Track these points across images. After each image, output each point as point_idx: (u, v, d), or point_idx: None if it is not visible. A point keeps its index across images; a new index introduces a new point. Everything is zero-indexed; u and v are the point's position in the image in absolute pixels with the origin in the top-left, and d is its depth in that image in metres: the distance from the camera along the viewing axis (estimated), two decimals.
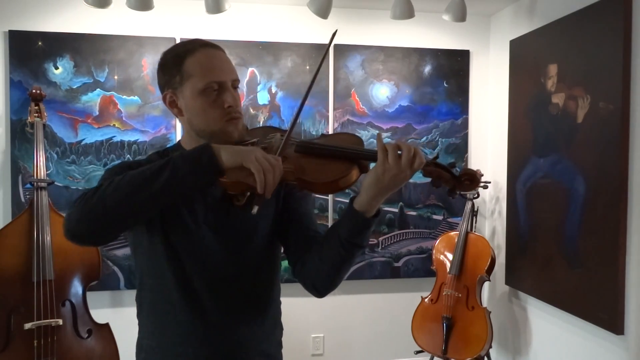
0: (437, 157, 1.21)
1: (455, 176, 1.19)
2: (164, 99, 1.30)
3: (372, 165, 1.18)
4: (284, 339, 1.44)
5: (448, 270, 3.00)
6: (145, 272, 1.32)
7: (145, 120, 2.99)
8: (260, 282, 1.34)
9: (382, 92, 3.25)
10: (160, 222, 1.26)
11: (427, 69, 3.29)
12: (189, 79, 1.23)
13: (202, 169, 1.11)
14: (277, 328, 1.41)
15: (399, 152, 1.12)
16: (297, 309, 3.06)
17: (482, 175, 3.10)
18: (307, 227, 1.34)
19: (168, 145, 1.41)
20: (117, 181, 1.11)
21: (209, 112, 1.24)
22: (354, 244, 1.20)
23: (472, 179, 1.19)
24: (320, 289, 1.29)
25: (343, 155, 1.22)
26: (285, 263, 1.40)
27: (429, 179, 1.22)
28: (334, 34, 1.31)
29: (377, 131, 3.23)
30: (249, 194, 1.22)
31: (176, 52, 1.27)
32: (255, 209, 1.11)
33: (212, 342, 1.28)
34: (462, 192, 1.22)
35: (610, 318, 2.28)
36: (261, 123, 3.09)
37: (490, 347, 2.90)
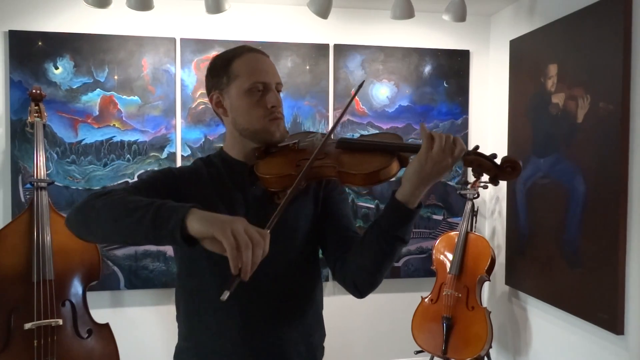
0: (477, 147, 1.21)
1: (497, 165, 1.19)
2: (210, 100, 1.36)
3: (412, 158, 1.19)
4: None
5: (448, 270, 3.00)
6: (184, 274, 1.35)
7: (145, 120, 2.99)
8: (299, 283, 1.35)
9: (382, 92, 3.25)
10: None
11: (427, 69, 3.29)
12: (235, 79, 1.30)
13: (163, 232, 1.03)
14: (318, 331, 1.41)
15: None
16: None
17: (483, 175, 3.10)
18: (346, 227, 1.36)
19: (211, 153, 1.44)
20: (112, 200, 1.13)
21: (253, 111, 1.29)
22: (396, 237, 1.19)
23: (514, 166, 1.18)
24: (361, 287, 1.29)
25: (383, 148, 1.23)
26: None
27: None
28: (361, 84, 1.37)
29: (377, 131, 3.23)
30: (289, 191, 1.23)
31: (224, 56, 1.34)
32: (224, 295, 0.95)
33: (249, 339, 1.29)
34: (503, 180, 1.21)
35: (610, 318, 2.28)
36: None
37: (490, 347, 2.90)
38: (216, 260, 1.27)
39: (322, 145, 1.23)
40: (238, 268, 0.96)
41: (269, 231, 1.03)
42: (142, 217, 1.05)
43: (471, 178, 3.20)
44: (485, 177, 1.22)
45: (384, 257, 1.22)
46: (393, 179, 1.23)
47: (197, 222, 1.00)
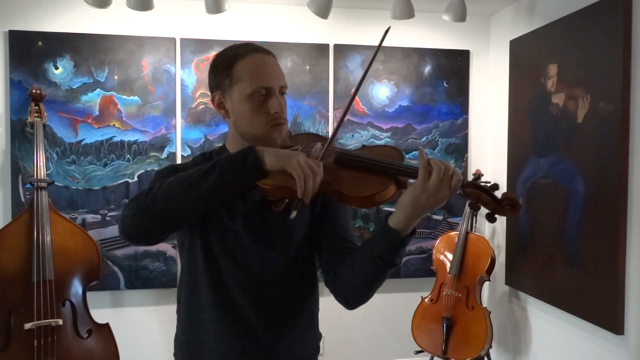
0: (479, 178, 1.19)
1: (496, 199, 1.15)
2: (212, 100, 1.34)
3: (410, 181, 1.16)
4: None
5: (448, 270, 3.00)
6: (185, 271, 1.36)
7: (145, 120, 2.99)
8: (293, 287, 1.35)
9: (382, 92, 3.25)
10: (201, 224, 1.29)
11: (427, 69, 3.29)
12: (238, 82, 1.27)
13: (247, 172, 1.13)
14: (312, 334, 1.41)
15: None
16: None
17: (482, 175, 3.10)
18: (342, 237, 1.34)
19: (213, 149, 1.44)
20: (168, 183, 1.15)
21: (255, 116, 1.27)
22: (386, 262, 1.18)
23: (514, 205, 1.15)
24: (350, 301, 1.30)
25: (381, 169, 1.20)
26: None
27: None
28: (387, 31, 1.29)
29: (377, 131, 3.23)
30: (287, 200, 1.23)
31: (227, 55, 1.30)
32: (293, 214, 1.11)
33: (244, 341, 1.30)
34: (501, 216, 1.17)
35: (610, 318, 2.28)
36: None
37: (490, 347, 2.90)
38: (213, 261, 1.29)
39: (321, 159, 1.21)
40: (303, 192, 1.09)
41: (322, 162, 1.16)
42: (220, 173, 1.12)
43: (471, 178, 3.20)
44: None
45: (373, 278, 1.22)
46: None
47: (269, 157, 1.13)
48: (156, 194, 1.14)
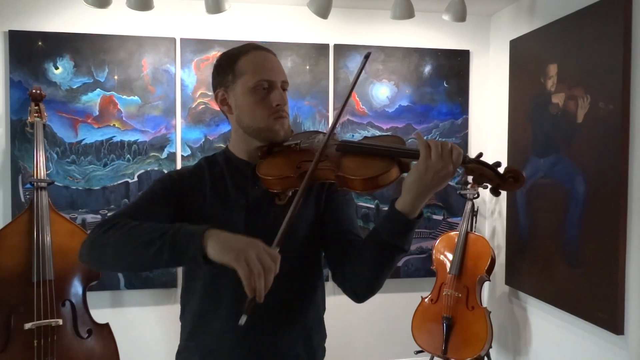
0: (480, 155, 1.19)
1: (499, 174, 1.16)
2: (215, 97, 1.36)
3: (413, 163, 1.16)
4: None
5: (448, 270, 3.00)
6: (186, 276, 1.36)
7: (145, 120, 2.99)
8: (299, 285, 1.34)
9: (382, 92, 3.25)
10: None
11: (427, 69, 3.29)
12: (240, 77, 1.30)
13: (186, 258, 1.09)
14: (318, 333, 1.40)
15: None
16: None
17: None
18: (347, 230, 1.33)
19: (216, 152, 1.44)
20: (122, 232, 1.15)
21: (257, 109, 1.29)
22: (395, 247, 1.17)
23: (517, 177, 1.15)
24: (359, 293, 1.27)
25: (383, 152, 1.21)
26: None
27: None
28: (367, 56, 1.32)
29: (377, 131, 3.23)
30: (290, 193, 1.22)
31: (230, 54, 1.34)
32: (242, 319, 1.01)
33: (247, 342, 1.28)
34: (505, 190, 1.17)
35: (610, 318, 2.28)
36: None
37: (490, 347, 2.90)
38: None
39: (323, 149, 1.22)
40: (253, 292, 1.01)
41: (278, 250, 1.07)
42: (161, 248, 1.10)
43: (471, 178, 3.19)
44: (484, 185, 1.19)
45: (382, 266, 1.21)
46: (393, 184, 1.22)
47: (214, 249, 1.05)
48: (110, 238, 1.15)
